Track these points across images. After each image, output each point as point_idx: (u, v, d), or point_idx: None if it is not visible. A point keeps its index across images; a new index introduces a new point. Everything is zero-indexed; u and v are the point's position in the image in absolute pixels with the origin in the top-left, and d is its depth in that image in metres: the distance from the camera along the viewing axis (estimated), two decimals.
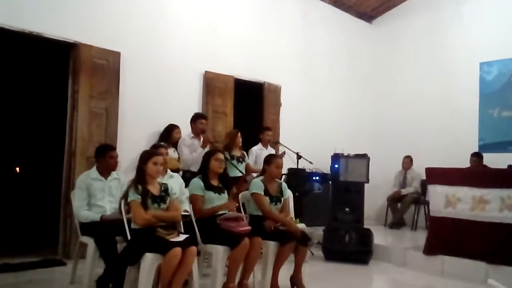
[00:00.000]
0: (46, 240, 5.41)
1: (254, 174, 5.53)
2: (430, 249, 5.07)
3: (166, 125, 5.55)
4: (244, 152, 5.69)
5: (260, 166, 5.64)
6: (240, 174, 5.18)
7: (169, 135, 5.45)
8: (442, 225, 5.02)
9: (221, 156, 3.87)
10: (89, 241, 3.74)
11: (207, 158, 3.88)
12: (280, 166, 4.17)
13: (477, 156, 6.77)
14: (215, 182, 3.85)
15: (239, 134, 5.53)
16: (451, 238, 4.92)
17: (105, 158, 4.02)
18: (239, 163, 5.38)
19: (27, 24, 4.79)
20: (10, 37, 4.95)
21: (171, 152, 5.18)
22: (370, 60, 8.72)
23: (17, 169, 7.79)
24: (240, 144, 5.56)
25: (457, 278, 4.69)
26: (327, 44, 8.08)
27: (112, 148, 4.14)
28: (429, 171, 5.39)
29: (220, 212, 3.75)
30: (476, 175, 5.21)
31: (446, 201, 4.99)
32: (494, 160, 6.56)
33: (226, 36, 6.60)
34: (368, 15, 8.76)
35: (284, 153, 5.99)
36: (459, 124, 7.43)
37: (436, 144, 7.55)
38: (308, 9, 7.81)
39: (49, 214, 5.58)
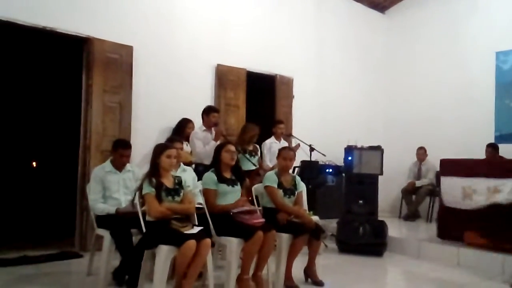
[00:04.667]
0: (63, 233, 5.51)
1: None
2: (444, 233, 5.10)
3: (179, 118, 5.57)
4: (257, 146, 5.69)
5: (273, 159, 5.68)
6: (253, 168, 5.18)
7: (182, 129, 5.47)
8: (458, 215, 4.98)
9: (232, 148, 3.87)
10: (105, 234, 3.78)
11: (218, 150, 3.88)
12: (287, 158, 4.16)
13: (492, 147, 6.66)
14: (227, 175, 3.85)
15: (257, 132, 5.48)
16: (467, 224, 4.91)
17: (116, 153, 4.06)
18: (252, 157, 5.38)
19: (40, 20, 4.83)
20: (24, 32, 5.01)
21: (184, 146, 5.20)
22: (384, 51, 8.62)
23: (34, 163, 7.91)
24: (256, 141, 5.56)
25: (473, 269, 4.65)
26: (340, 35, 8.00)
27: (126, 145, 4.12)
28: (444, 162, 5.33)
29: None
30: (492, 166, 5.15)
31: (463, 192, 4.94)
32: (511, 151, 6.45)
33: (238, 29, 6.59)
34: (381, 6, 8.64)
35: (298, 145, 5.98)
36: (475, 114, 7.32)
37: (451, 135, 7.45)
38: (320, 0, 7.73)
39: (65, 208, 5.66)
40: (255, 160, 5.41)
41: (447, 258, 4.95)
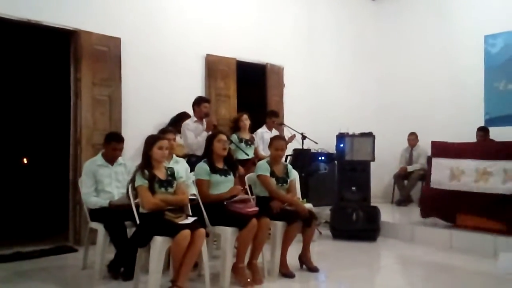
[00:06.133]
0: (57, 228, 5.49)
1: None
2: (425, 212, 5.26)
3: (170, 109, 5.57)
4: (253, 135, 5.69)
5: (266, 148, 5.68)
6: (247, 157, 5.18)
7: (179, 122, 5.43)
8: (444, 197, 5.06)
9: (223, 137, 3.86)
10: (99, 227, 3.79)
11: (209, 141, 3.87)
12: (278, 148, 4.15)
13: (483, 130, 6.72)
14: (220, 165, 3.85)
15: (244, 116, 5.51)
16: (451, 207, 5.02)
17: (108, 147, 4.04)
18: (248, 146, 5.38)
19: (25, 13, 4.77)
20: (9, 26, 4.94)
21: (177, 138, 5.21)
22: (374, 37, 8.61)
23: (25, 160, 7.85)
24: (247, 127, 5.55)
25: (465, 252, 4.71)
26: (330, 23, 7.98)
27: (118, 139, 4.11)
28: (435, 144, 5.39)
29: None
30: (481, 148, 5.21)
31: (450, 174, 5.01)
32: (501, 134, 6.50)
33: (227, 18, 6.54)
34: None
35: (294, 135, 5.98)
36: (465, 98, 7.35)
37: (442, 119, 7.50)
38: None
39: (58, 202, 5.64)
40: (251, 149, 5.41)
41: (440, 241, 5.01)
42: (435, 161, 5.27)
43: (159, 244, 3.16)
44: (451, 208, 5.07)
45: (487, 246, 4.65)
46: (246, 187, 4.34)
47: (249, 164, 5.13)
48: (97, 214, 3.86)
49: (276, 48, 7.11)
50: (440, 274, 4.10)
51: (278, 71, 7.13)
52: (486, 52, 7.25)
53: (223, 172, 3.83)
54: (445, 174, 5.08)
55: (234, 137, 5.31)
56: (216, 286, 3.51)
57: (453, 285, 3.77)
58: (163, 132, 4.27)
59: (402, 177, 7.44)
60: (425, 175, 7.15)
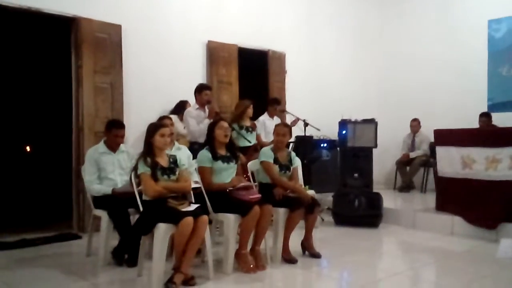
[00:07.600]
0: (61, 215, 5.53)
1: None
2: (442, 206, 5.16)
3: (172, 97, 5.55)
4: (255, 122, 5.67)
5: (267, 136, 5.68)
6: (249, 144, 5.18)
7: (181, 111, 5.43)
8: (456, 186, 5.04)
9: (225, 124, 3.85)
10: (103, 214, 3.81)
11: (211, 128, 3.87)
12: (280, 133, 4.16)
13: (486, 116, 6.69)
14: (222, 152, 3.85)
15: (251, 106, 5.45)
16: (465, 199, 4.96)
17: (110, 134, 4.04)
18: (249, 133, 5.36)
19: (26, 0, 4.73)
20: (10, 14, 4.91)
21: (181, 127, 5.25)
22: (376, 23, 8.53)
23: (28, 147, 7.88)
24: (251, 115, 5.53)
25: (467, 237, 4.74)
26: (332, 8, 7.90)
27: (119, 125, 4.11)
28: (437, 132, 5.36)
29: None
30: (486, 135, 5.18)
31: (462, 162, 4.98)
32: (504, 120, 6.49)
33: (229, 4, 6.49)
34: None
35: (297, 119, 5.95)
36: (468, 84, 7.32)
37: (445, 105, 7.48)
38: None
39: (62, 190, 5.67)
40: (252, 136, 5.40)
41: (442, 228, 5.03)
42: (440, 149, 5.23)
43: (163, 231, 3.18)
44: (465, 203, 4.97)
45: (488, 232, 4.66)
46: (248, 174, 4.36)
47: (251, 151, 5.12)
48: (101, 201, 3.87)
49: (278, 35, 7.06)
50: (442, 260, 4.13)
51: (280, 58, 7.09)
52: (489, 37, 7.19)
53: (226, 159, 3.83)
54: (457, 163, 5.03)
55: (235, 125, 5.29)
56: (219, 272, 3.54)
57: (455, 271, 3.79)
58: (160, 119, 4.27)
59: (404, 163, 7.44)
60: (427, 161, 7.18)
